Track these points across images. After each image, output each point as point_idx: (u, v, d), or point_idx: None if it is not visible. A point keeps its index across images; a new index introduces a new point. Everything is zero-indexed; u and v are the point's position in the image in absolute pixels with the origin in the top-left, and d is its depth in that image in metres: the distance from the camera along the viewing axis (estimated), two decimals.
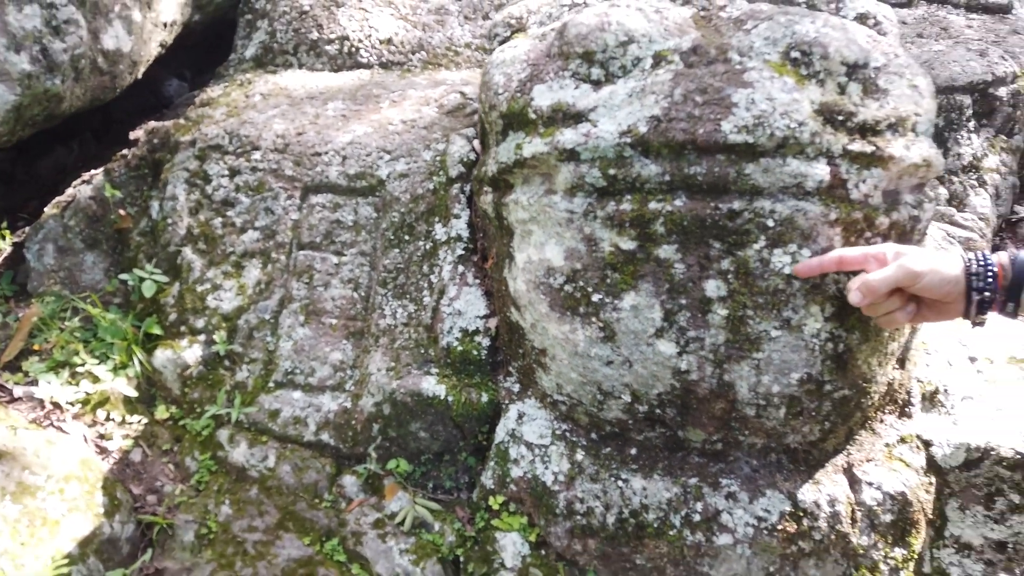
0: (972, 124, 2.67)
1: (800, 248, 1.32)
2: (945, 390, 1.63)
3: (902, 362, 1.57)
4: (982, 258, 1.17)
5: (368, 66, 2.47)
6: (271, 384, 1.80)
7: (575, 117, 1.39)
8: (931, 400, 1.62)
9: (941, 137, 2.66)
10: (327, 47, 2.48)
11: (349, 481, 1.71)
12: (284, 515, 1.64)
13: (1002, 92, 2.68)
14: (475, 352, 1.73)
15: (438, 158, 1.97)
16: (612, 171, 1.36)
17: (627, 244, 1.38)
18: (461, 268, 1.81)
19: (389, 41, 2.50)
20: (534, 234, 1.49)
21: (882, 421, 1.58)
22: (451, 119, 2.14)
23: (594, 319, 1.43)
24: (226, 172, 2.00)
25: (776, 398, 1.41)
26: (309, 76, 2.42)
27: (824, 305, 1.35)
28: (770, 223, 1.31)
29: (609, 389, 1.49)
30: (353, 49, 2.47)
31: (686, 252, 1.36)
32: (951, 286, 1.18)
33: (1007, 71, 2.70)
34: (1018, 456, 1.51)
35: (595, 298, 1.42)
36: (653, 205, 1.35)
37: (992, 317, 1.19)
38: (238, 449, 1.73)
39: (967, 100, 2.65)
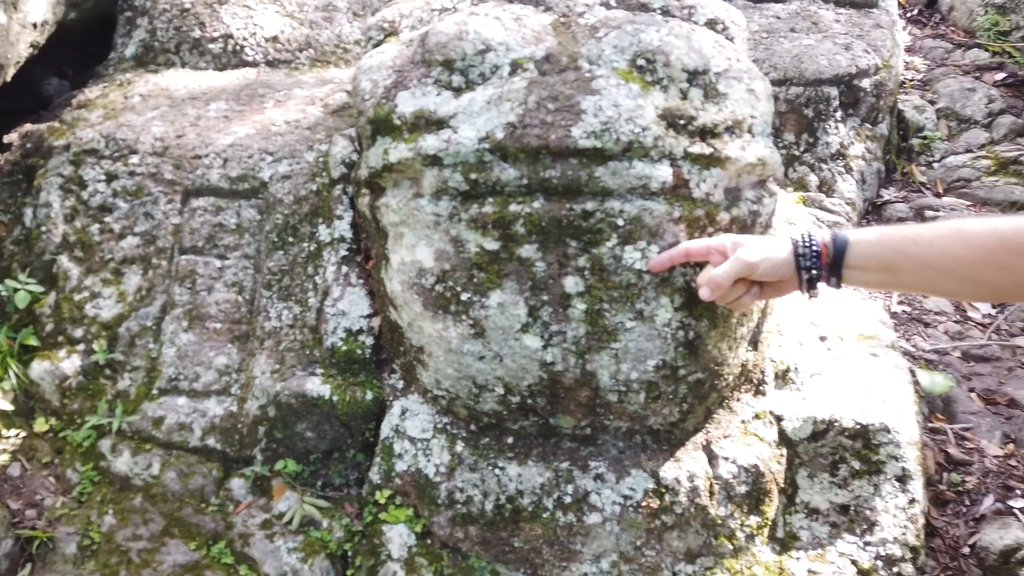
0: (839, 114, 2.85)
1: (649, 244, 1.42)
2: (796, 368, 1.77)
3: (755, 344, 1.70)
4: (808, 239, 1.28)
5: (254, 64, 2.45)
6: (154, 391, 1.79)
7: (437, 123, 1.44)
8: (783, 378, 1.76)
9: (811, 126, 2.83)
10: (210, 45, 2.44)
11: (237, 484, 1.73)
12: (169, 522, 1.65)
13: (866, 83, 2.87)
14: (359, 351, 1.77)
15: (321, 159, 1.99)
16: (474, 175, 1.42)
17: (491, 244, 1.44)
18: (345, 269, 1.85)
19: (275, 39, 2.49)
20: (405, 236, 1.54)
21: (738, 400, 1.70)
22: (336, 119, 2.15)
23: (464, 317, 1.50)
24: (103, 177, 1.97)
25: (636, 384, 1.51)
26: (192, 76, 2.39)
27: (673, 296, 1.45)
28: (620, 222, 1.40)
29: (483, 383, 1.56)
30: (238, 47, 2.45)
31: (546, 251, 1.43)
32: (784, 268, 1.29)
33: (870, 63, 2.89)
34: (858, 426, 1.66)
35: (464, 297, 1.48)
36: (513, 207, 1.42)
37: (825, 289, 1.30)
38: (121, 458, 1.73)
39: (834, 92, 2.83)
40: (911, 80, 3.51)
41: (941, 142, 3.17)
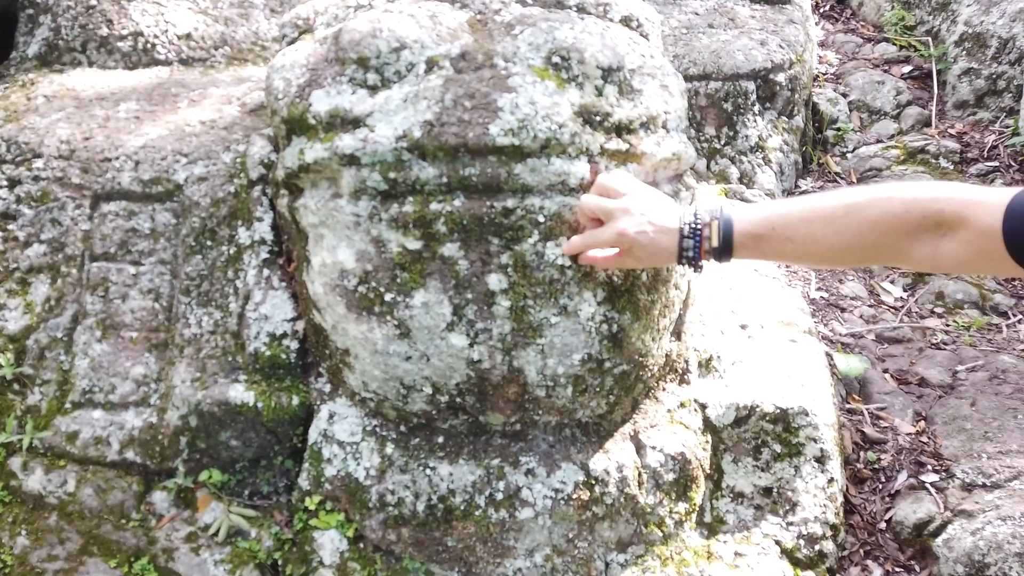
0: (757, 108, 2.94)
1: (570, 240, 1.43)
2: (718, 357, 1.82)
3: (679, 335, 1.74)
4: (695, 224, 1.27)
5: (167, 63, 2.37)
6: (68, 405, 1.72)
7: (353, 122, 1.42)
8: (706, 367, 1.81)
9: (731, 120, 2.91)
10: (119, 44, 2.35)
11: (159, 497, 1.67)
12: (88, 540, 1.59)
13: (781, 78, 2.96)
14: (284, 356, 1.73)
15: (239, 159, 1.93)
16: (392, 175, 1.40)
17: (413, 244, 1.43)
18: (267, 272, 1.80)
19: (188, 36, 2.41)
20: (326, 237, 1.51)
21: (664, 389, 1.74)
22: (254, 118, 2.10)
23: (389, 318, 1.48)
24: (5, 183, 1.88)
25: (562, 378, 1.53)
26: (100, 75, 2.29)
27: (596, 291, 1.47)
28: (541, 219, 1.41)
29: (411, 383, 1.55)
30: (148, 46, 2.36)
31: (468, 249, 1.43)
32: (665, 255, 1.31)
33: (785, 58, 2.99)
34: (778, 411, 1.72)
35: (388, 297, 1.47)
36: (434, 206, 1.41)
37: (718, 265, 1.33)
38: (33, 476, 1.65)
39: (751, 86, 2.91)
40: (824, 74, 3.64)
41: (854, 133, 3.30)
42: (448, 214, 1.41)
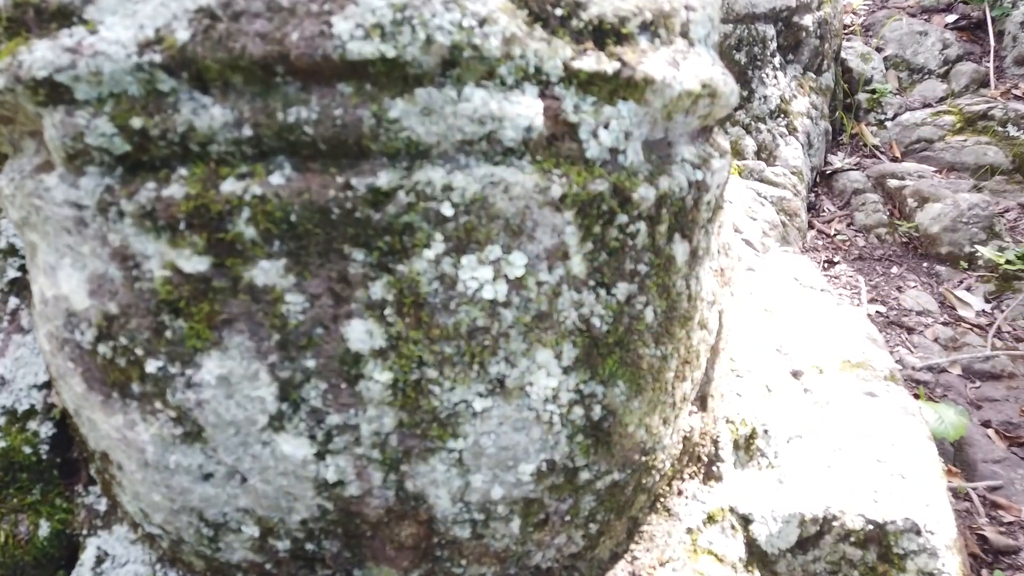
0: (778, 60, 2.24)
1: (509, 252, 0.73)
2: (765, 431, 1.12)
3: (703, 401, 1.04)
4: None
5: None
6: None
7: (58, 16, 0.70)
8: (747, 448, 1.11)
9: (744, 76, 2.21)
10: None
11: None
12: None
13: (808, 21, 2.27)
14: (27, 448, 1.01)
15: None
16: (139, 121, 0.69)
17: (193, 263, 0.72)
18: (13, 303, 1.08)
19: None
20: (39, 250, 0.79)
21: (681, 493, 1.04)
22: None
23: (160, 404, 0.77)
24: None
25: (501, 506, 0.83)
26: None
27: (561, 345, 0.77)
28: (448, 210, 0.70)
29: (219, 518, 0.83)
30: None
31: (304, 272, 0.72)
32: None
33: None
34: (870, 526, 1.03)
35: (153, 367, 0.75)
36: (229, 186, 0.70)
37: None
38: None
39: (771, 31, 2.21)
40: (849, 25, 2.96)
41: (892, 96, 2.62)
42: (258, 201, 0.69)
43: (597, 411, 0.81)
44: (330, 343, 0.73)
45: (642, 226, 0.78)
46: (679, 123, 0.82)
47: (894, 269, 1.98)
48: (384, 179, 0.69)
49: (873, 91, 2.62)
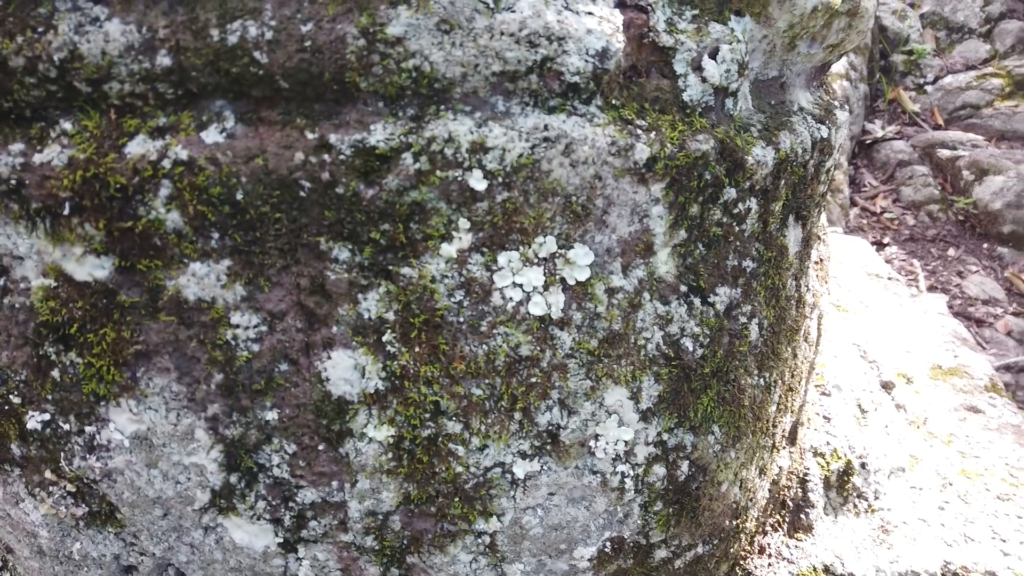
0: None
1: (569, 246, 0.48)
2: (862, 463, 0.89)
3: (792, 431, 0.80)
4: None
5: None
6: None
7: None
8: (840, 487, 0.88)
9: None
10: None
11: None
12: None
13: None
14: None
15: None
16: None
17: (87, 267, 0.47)
18: None
19: None
20: None
21: (762, 551, 0.81)
22: None
23: (51, 473, 0.52)
24: None
25: None
26: None
27: (640, 380, 0.53)
28: (479, 183, 0.45)
29: None
30: None
31: (259, 279, 0.47)
32: None
33: None
34: None
35: (36, 421, 0.51)
36: (138, 147, 0.44)
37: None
38: None
39: None
40: None
41: (931, 57, 2.38)
42: (185, 172, 0.44)
43: (684, 469, 0.58)
44: (300, 385, 0.49)
45: (753, 204, 0.54)
46: (800, 55, 0.58)
47: (951, 251, 1.76)
48: (380, 134, 0.45)
49: (910, 52, 2.38)
